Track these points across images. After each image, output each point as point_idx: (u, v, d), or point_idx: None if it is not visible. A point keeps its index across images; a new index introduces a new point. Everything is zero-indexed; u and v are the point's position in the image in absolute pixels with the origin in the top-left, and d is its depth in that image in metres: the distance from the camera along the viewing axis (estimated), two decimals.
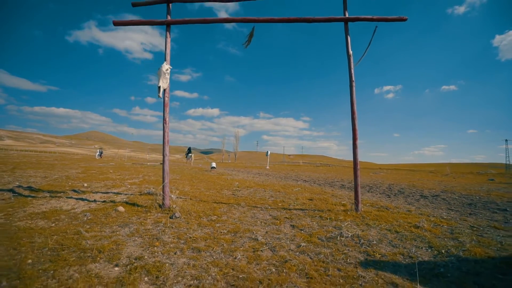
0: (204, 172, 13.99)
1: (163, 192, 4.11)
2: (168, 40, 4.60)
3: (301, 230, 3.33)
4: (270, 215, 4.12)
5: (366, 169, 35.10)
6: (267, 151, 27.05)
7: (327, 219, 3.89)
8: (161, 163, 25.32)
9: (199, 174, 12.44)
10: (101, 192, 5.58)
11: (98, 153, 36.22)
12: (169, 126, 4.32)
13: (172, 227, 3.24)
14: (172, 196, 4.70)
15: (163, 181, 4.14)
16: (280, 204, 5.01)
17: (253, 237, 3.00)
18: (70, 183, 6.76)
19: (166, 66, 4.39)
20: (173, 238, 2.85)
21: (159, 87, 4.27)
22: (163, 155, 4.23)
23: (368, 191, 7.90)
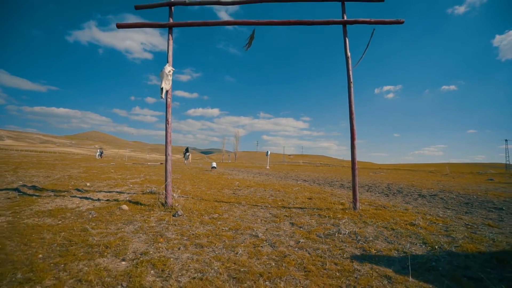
0: (205, 172, 14.09)
1: (165, 191, 4.22)
2: (171, 42, 4.70)
3: (300, 227, 3.44)
4: (270, 213, 4.22)
5: (366, 169, 35.19)
6: (267, 151, 27.14)
7: (326, 217, 4.00)
8: (161, 163, 25.39)
9: (199, 174, 12.54)
10: (104, 191, 5.68)
11: (98, 153, 36.49)
12: (171, 127, 4.43)
13: (175, 225, 3.35)
14: (174, 195, 4.81)
15: (166, 180, 4.24)
16: (280, 203, 5.11)
17: (253, 234, 3.10)
18: (73, 183, 6.87)
19: (168, 68, 4.50)
20: (177, 235, 2.96)
21: (162, 89, 4.37)
22: (166, 155, 4.34)
23: (367, 191, 8.00)
